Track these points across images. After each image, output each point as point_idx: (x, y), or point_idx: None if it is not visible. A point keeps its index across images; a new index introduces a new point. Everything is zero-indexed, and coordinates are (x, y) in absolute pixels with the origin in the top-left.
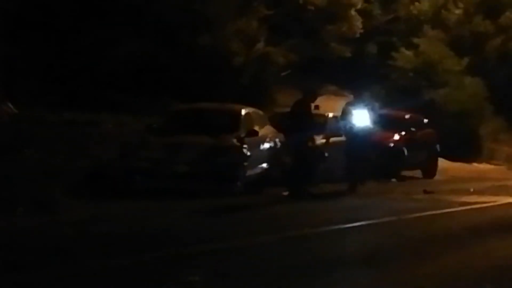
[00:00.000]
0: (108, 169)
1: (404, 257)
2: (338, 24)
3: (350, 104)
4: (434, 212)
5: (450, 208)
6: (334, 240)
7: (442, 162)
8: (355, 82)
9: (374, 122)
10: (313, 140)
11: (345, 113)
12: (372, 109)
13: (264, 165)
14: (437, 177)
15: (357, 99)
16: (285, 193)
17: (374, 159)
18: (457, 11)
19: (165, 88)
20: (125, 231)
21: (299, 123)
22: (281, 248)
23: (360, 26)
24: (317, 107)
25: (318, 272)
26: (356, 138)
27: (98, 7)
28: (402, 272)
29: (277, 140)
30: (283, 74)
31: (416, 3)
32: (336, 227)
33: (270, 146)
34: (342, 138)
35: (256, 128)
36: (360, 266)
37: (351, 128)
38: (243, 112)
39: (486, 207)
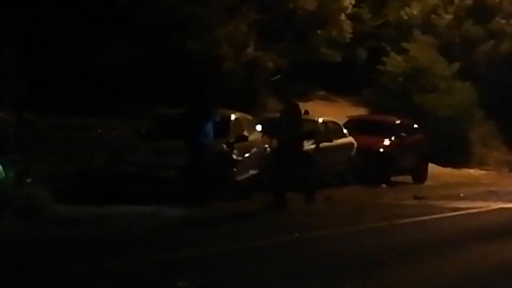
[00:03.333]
0: (96, 173)
1: (395, 262)
2: (328, 29)
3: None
4: (424, 217)
5: (440, 213)
6: (322, 245)
7: (432, 168)
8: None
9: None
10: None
11: (269, 122)
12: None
13: (254, 170)
14: (427, 182)
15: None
16: None
17: (299, 172)
18: (447, 16)
19: (153, 93)
20: (112, 235)
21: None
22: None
23: (350, 31)
24: (306, 112)
25: (295, 276)
26: (284, 150)
27: (87, 11)
28: (393, 277)
29: (266, 145)
30: (272, 79)
31: (406, 8)
32: (326, 232)
33: (260, 152)
34: (331, 143)
35: (246, 133)
36: (351, 271)
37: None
38: (233, 117)
39: (477, 212)
